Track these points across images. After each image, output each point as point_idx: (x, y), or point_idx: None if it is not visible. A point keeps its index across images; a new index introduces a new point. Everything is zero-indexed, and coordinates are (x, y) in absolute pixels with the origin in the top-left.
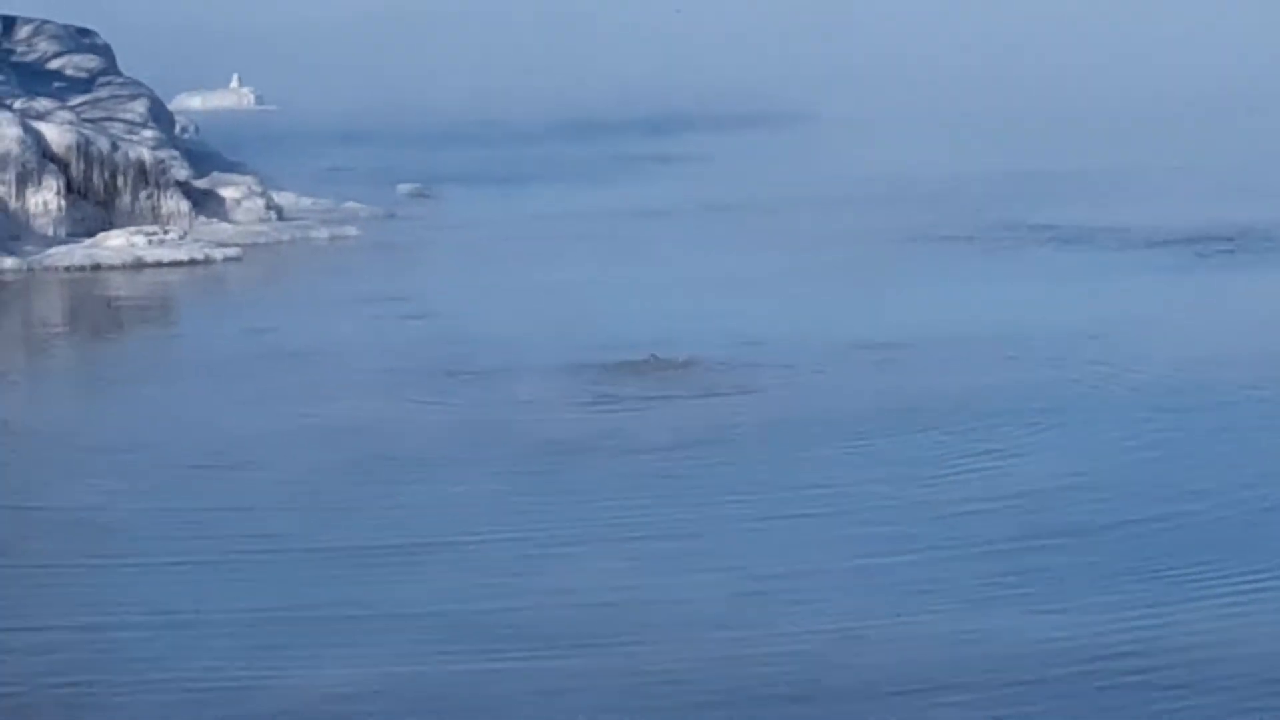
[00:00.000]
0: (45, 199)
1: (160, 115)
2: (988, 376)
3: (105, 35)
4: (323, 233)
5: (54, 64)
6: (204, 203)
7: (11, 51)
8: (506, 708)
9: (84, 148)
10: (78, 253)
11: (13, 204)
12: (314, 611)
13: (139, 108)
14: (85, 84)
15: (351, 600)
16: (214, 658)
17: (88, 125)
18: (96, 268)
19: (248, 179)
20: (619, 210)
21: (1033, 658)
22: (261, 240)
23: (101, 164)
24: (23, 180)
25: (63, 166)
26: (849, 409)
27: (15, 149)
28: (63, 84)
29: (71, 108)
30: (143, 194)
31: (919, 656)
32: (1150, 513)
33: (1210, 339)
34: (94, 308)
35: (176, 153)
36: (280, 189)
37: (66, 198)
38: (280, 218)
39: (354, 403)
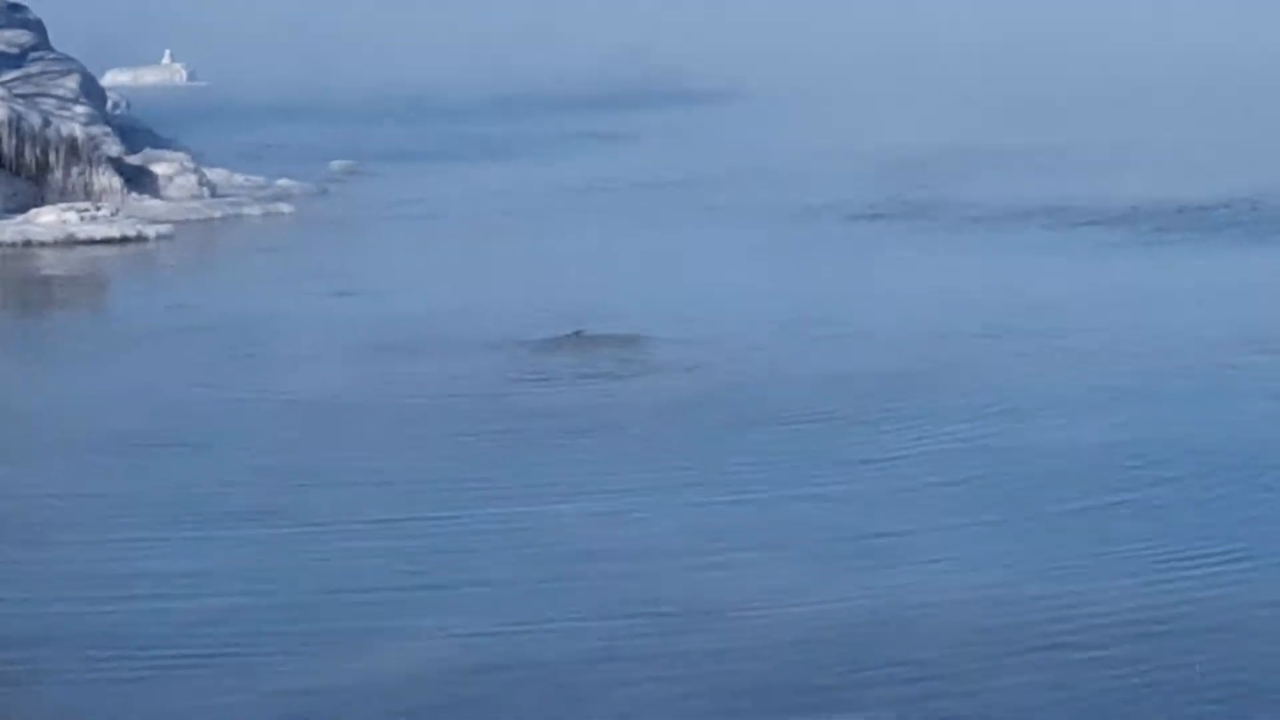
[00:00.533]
0: None
1: (92, 91)
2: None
3: (36, 10)
4: (255, 209)
5: None
6: (136, 179)
7: None
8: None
9: (15, 123)
10: (9, 229)
11: None
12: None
13: (71, 83)
14: (16, 59)
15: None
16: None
17: (19, 101)
18: (28, 244)
19: (180, 155)
20: (554, 186)
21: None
22: (194, 217)
23: (33, 140)
24: None
25: None
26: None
27: None
28: None
29: (2, 83)
30: (75, 170)
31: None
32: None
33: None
34: (24, 284)
35: (109, 129)
36: (213, 165)
37: None
38: (213, 194)
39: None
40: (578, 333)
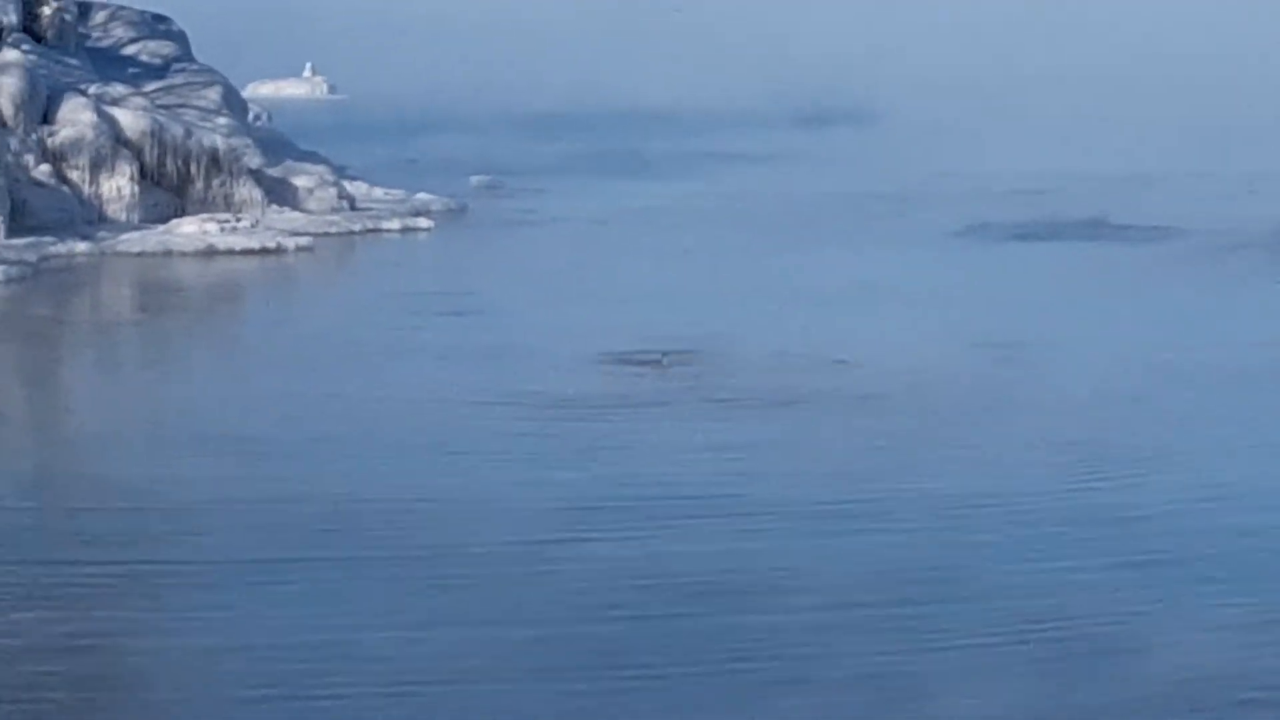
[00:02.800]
0: (119, 185)
1: (234, 103)
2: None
3: (180, 22)
4: (394, 224)
5: (129, 50)
6: (276, 191)
7: (87, 37)
8: None
9: (158, 134)
10: (150, 239)
11: (86, 189)
12: None
13: (213, 95)
14: (160, 70)
15: None
16: None
17: (162, 112)
18: (168, 254)
19: (320, 168)
20: (691, 205)
21: None
22: (333, 230)
23: (175, 151)
24: (97, 166)
25: (136, 153)
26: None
27: (90, 134)
28: (137, 70)
29: (146, 94)
30: (215, 181)
31: None
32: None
33: None
34: (164, 292)
35: (249, 141)
36: (352, 179)
37: (140, 184)
38: (352, 208)
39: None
40: (664, 354)
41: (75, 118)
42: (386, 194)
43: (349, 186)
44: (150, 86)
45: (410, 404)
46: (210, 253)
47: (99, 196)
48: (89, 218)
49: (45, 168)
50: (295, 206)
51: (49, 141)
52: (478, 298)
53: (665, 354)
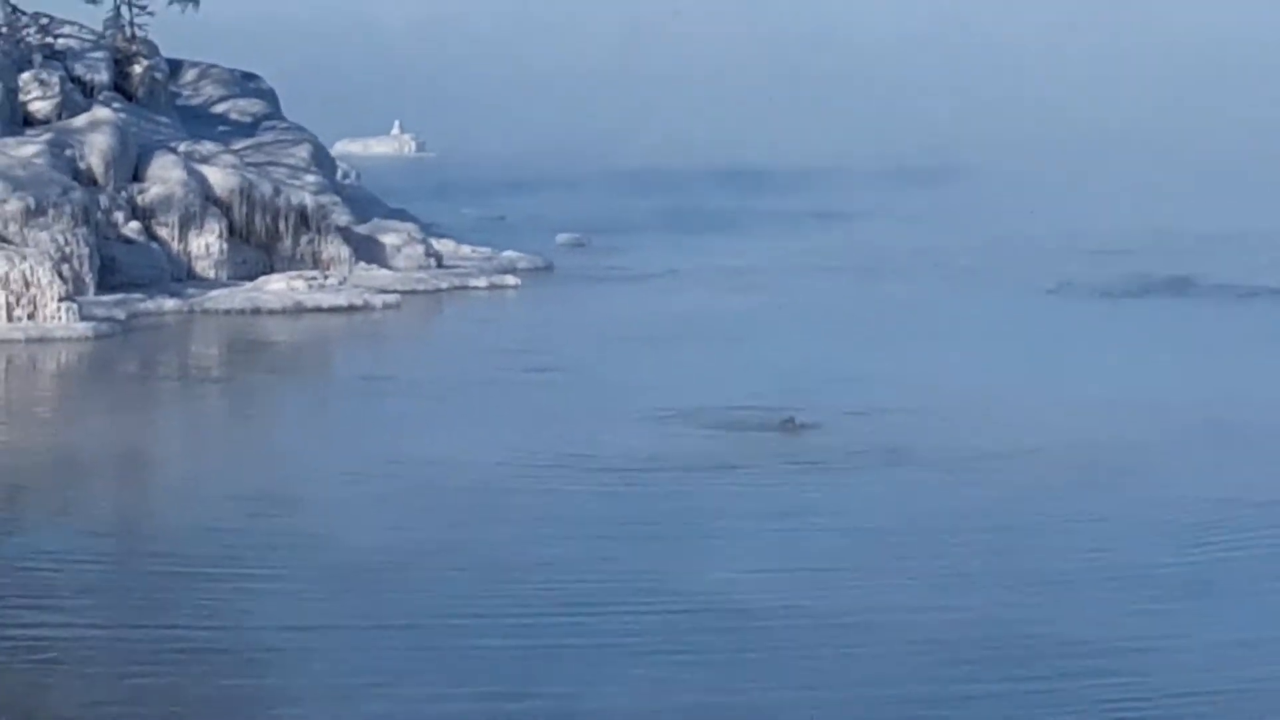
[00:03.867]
0: (208, 241)
1: (322, 160)
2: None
3: (269, 80)
4: (481, 281)
5: (219, 108)
6: (364, 248)
7: (177, 95)
8: None
9: (247, 191)
10: (238, 295)
11: (175, 246)
12: None
13: (301, 153)
14: (249, 128)
15: None
16: None
17: (251, 169)
18: (256, 311)
19: (408, 226)
20: (774, 265)
21: None
22: (420, 287)
23: (263, 208)
24: (186, 223)
25: (225, 210)
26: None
27: (179, 191)
28: (227, 128)
29: (235, 151)
30: (304, 239)
31: None
32: None
33: None
34: (251, 350)
35: (338, 198)
36: (440, 236)
37: (228, 241)
38: (439, 265)
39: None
40: (790, 420)
41: (165, 175)
42: (474, 251)
43: (436, 244)
44: (239, 144)
45: (493, 468)
46: (298, 310)
47: (188, 253)
48: (178, 274)
49: (135, 224)
50: (383, 264)
51: (139, 199)
52: (558, 354)
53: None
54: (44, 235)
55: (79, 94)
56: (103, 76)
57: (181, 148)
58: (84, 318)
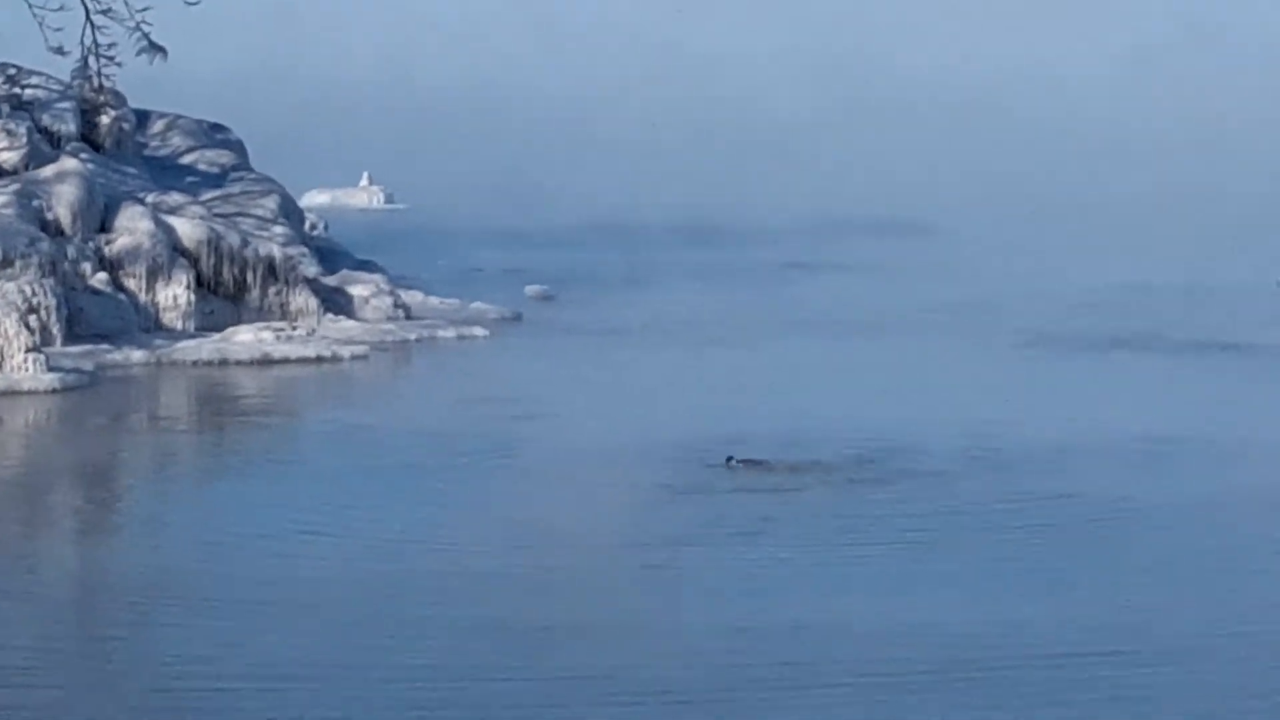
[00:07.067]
0: (175, 293)
1: (291, 212)
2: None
3: (237, 131)
4: (450, 332)
5: (187, 158)
6: (332, 300)
7: (145, 145)
8: None
9: (215, 243)
10: (206, 347)
11: (142, 297)
12: None
13: (270, 204)
14: (217, 179)
15: None
16: None
17: (219, 220)
18: (224, 362)
19: (376, 277)
20: (738, 318)
21: None
22: (389, 339)
23: (231, 259)
24: (153, 274)
25: (193, 261)
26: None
27: (146, 243)
28: (195, 179)
29: (203, 203)
30: (272, 290)
31: None
32: None
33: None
34: (219, 401)
35: (306, 249)
36: (408, 288)
37: (196, 292)
38: (408, 316)
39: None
40: (731, 458)
41: (132, 226)
42: (442, 303)
43: (405, 295)
44: (207, 195)
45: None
46: (266, 361)
47: (155, 304)
48: (145, 326)
49: (102, 275)
50: (351, 315)
51: (106, 249)
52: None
53: (731, 458)
54: (11, 286)
55: (46, 144)
56: (70, 127)
57: (149, 199)
58: (51, 369)
